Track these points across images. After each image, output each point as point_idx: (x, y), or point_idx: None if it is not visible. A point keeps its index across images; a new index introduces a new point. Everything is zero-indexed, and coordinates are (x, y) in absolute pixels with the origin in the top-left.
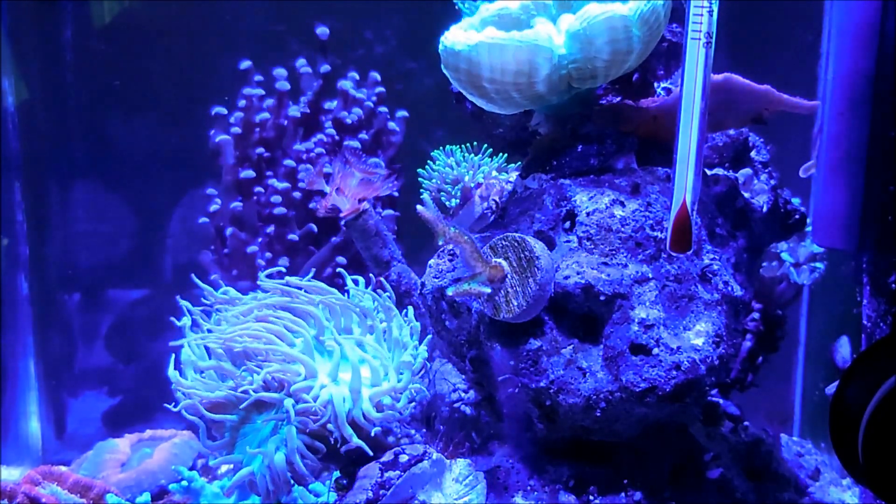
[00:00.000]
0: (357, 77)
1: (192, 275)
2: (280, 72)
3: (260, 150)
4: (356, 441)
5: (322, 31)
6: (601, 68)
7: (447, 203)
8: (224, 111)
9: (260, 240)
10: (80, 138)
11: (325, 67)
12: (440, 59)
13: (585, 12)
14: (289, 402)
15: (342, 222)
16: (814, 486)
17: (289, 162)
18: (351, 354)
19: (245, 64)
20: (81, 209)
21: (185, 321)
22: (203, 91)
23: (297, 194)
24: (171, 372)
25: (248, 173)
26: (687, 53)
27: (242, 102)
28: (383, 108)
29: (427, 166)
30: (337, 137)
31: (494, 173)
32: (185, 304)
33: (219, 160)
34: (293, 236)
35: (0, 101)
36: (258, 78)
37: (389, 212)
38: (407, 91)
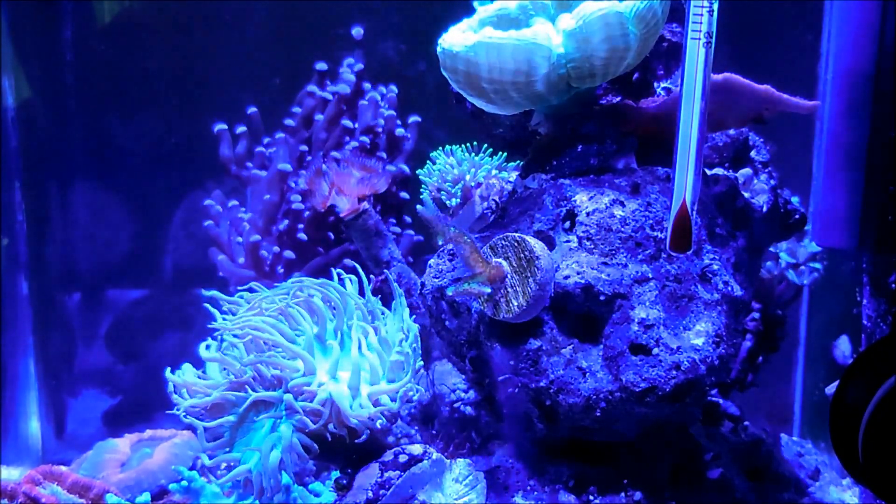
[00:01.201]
0: (377, 89)
1: (207, 304)
2: (349, 76)
3: (303, 147)
4: (356, 421)
5: (357, 31)
6: (599, 67)
7: (447, 203)
8: (225, 127)
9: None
10: (80, 138)
11: (359, 66)
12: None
13: (581, 10)
14: (288, 398)
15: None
16: (814, 486)
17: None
18: (352, 352)
19: (321, 65)
20: (81, 209)
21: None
22: (203, 91)
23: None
24: (170, 374)
25: (286, 166)
26: (687, 53)
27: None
28: (391, 112)
29: (427, 166)
30: (369, 145)
31: (494, 172)
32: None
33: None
34: (302, 235)
35: (0, 100)
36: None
37: (415, 236)
38: (407, 91)
